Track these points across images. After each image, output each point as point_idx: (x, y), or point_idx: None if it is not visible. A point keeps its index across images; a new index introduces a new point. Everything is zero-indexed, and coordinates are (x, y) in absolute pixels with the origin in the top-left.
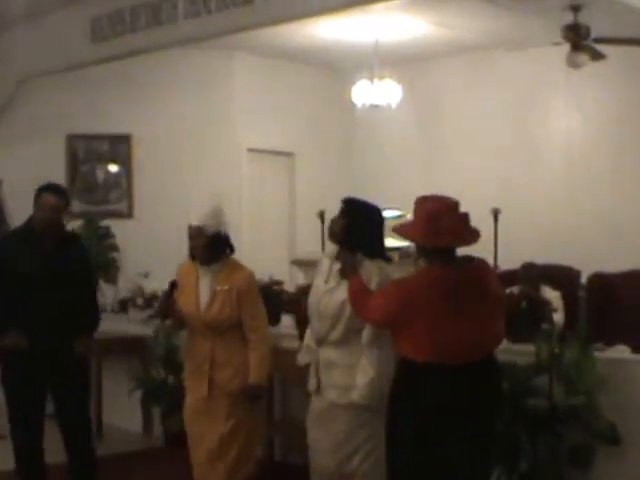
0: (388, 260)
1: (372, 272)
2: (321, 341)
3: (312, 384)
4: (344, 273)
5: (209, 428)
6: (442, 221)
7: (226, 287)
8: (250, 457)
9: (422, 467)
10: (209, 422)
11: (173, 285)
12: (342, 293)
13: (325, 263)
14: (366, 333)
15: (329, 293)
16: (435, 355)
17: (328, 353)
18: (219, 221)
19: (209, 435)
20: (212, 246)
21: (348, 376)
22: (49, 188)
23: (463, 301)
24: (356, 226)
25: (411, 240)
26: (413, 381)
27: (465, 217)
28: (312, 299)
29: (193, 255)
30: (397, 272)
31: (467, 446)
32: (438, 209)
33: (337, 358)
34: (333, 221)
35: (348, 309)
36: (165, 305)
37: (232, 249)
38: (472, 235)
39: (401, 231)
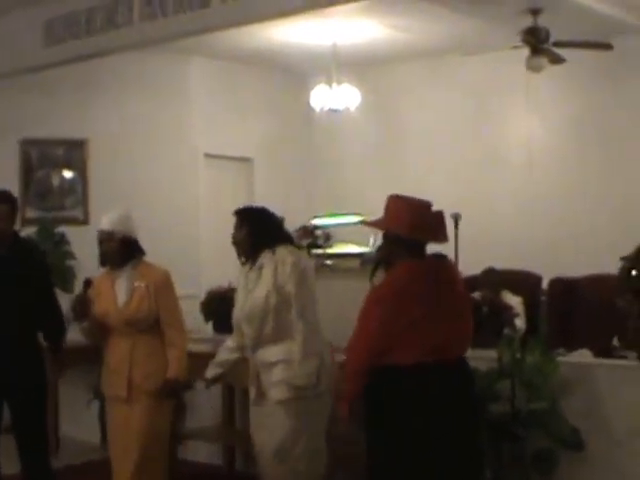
0: (295, 245)
1: (285, 255)
2: (256, 343)
3: (252, 393)
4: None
5: (130, 440)
6: (426, 216)
7: (143, 283)
8: (162, 459)
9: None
10: (130, 434)
11: (87, 283)
12: (264, 287)
13: (241, 280)
14: (294, 308)
15: (250, 295)
16: (425, 354)
17: (266, 353)
18: (128, 226)
19: (131, 446)
20: (123, 249)
21: (289, 370)
22: None
23: (445, 294)
24: (258, 228)
25: (393, 231)
26: (402, 386)
27: (442, 214)
28: (236, 310)
29: (104, 261)
30: (357, 277)
31: (462, 446)
32: (421, 204)
33: (276, 354)
34: (235, 233)
35: (273, 299)
36: (81, 304)
37: (142, 252)
38: (446, 233)
39: (379, 224)
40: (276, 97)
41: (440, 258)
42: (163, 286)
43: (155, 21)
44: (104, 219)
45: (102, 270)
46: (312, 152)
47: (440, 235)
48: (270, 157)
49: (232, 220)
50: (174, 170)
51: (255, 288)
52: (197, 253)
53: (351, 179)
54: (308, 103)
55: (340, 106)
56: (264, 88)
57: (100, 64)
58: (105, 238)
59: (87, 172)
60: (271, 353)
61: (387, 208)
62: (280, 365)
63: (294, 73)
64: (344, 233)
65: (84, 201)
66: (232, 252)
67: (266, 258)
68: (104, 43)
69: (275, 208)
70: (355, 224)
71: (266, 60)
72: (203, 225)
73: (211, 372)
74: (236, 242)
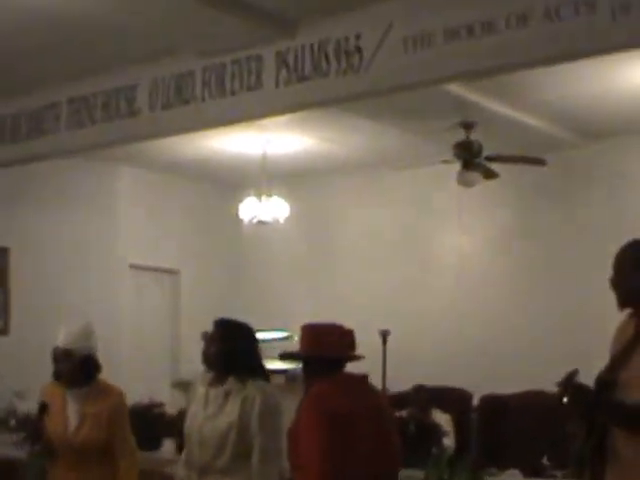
0: (268, 378)
1: (254, 392)
2: (205, 470)
3: None
4: None
5: None
6: (329, 333)
7: (95, 410)
8: None
9: None
10: None
11: (43, 407)
12: (225, 418)
13: (200, 389)
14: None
15: (211, 420)
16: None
17: None
18: (88, 344)
19: None
20: (82, 370)
21: None
22: None
23: (366, 414)
24: (232, 347)
25: (300, 355)
26: None
27: (351, 332)
28: (191, 427)
29: (58, 378)
30: (283, 394)
31: None
32: (322, 324)
33: None
34: (207, 344)
35: (233, 434)
36: (35, 429)
37: (100, 369)
38: (353, 349)
39: (290, 353)
40: (204, 208)
41: (358, 376)
42: (117, 412)
43: (82, 129)
44: (62, 335)
45: (50, 382)
46: (240, 264)
47: (345, 349)
48: (197, 269)
49: (155, 333)
50: (98, 280)
51: (217, 414)
52: (118, 367)
53: (279, 293)
54: (237, 214)
55: (269, 218)
56: (192, 198)
57: (25, 170)
58: (62, 357)
59: (8, 281)
60: None
61: (300, 337)
62: None
63: (223, 184)
64: (270, 348)
65: (5, 310)
66: (154, 367)
67: (234, 387)
68: (29, 150)
69: (201, 321)
70: (281, 340)
71: (194, 170)
72: (126, 337)
73: None
74: (205, 355)
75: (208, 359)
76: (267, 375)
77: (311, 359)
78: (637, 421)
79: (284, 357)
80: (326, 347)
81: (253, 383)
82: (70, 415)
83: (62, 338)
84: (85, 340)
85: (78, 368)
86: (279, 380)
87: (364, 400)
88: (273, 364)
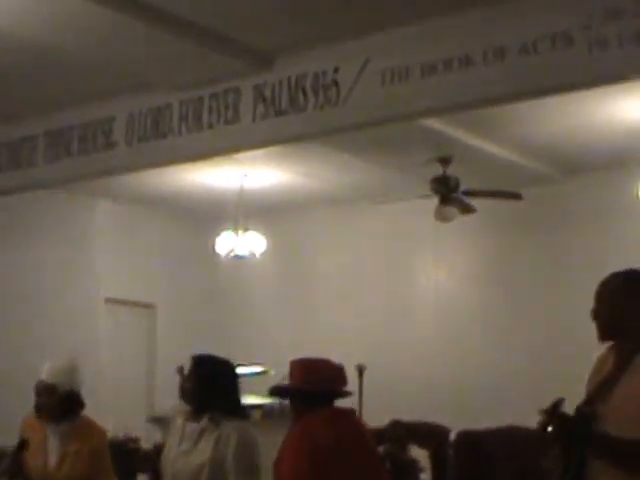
0: (245, 417)
1: (230, 431)
2: None
3: None
4: None
5: None
6: (321, 367)
7: (76, 448)
8: None
9: None
10: None
11: (22, 444)
12: (198, 456)
13: (178, 421)
14: None
15: (184, 456)
16: None
17: None
18: (72, 380)
19: None
20: (63, 405)
21: None
22: None
23: (354, 448)
24: (209, 384)
25: (290, 389)
26: None
27: (341, 367)
28: (166, 460)
29: (39, 412)
30: (259, 430)
31: None
32: (313, 359)
33: None
34: (184, 380)
35: (205, 472)
36: (13, 465)
37: (83, 406)
38: (344, 384)
39: (280, 388)
40: (181, 241)
41: (346, 410)
42: (99, 452)
43: (59, 162)
44: (46, 369)
45: (32, 415)
46: (217, 298)
47: (336, 383)
48: (174, 303)
49: (131, 367)
50: (73, 315)
51: (191, 450)
52: (95, 401)
53: (256, 327)
54: (213, 248)
55: (245, 252)
56: (169, 232)
57: (1, 202)
58: (44, 391)
59: None
60: None
61: (290, 372)
62: None
63: (200, 217)
64: (247, 383)
65: None
66: (130, 401)
67: (209, 427)
68: (5, 182)
69: (177, 356)
70: (256, 374)
71: (171, 203)
72: (101, 371)
73: None
74: (182, 389)
75: (184, 393)
76: (245, 414)
77: (301, 393)
78: (624, 455)
79: (274, 392)
80: (317, 382)
81: (228, 423)
82: (50, 451)
83: (46, 372)
84: (69, 376)
85: (59, 403)
86: (255, 415)
87: (353, 433)
88: (249, 399)
